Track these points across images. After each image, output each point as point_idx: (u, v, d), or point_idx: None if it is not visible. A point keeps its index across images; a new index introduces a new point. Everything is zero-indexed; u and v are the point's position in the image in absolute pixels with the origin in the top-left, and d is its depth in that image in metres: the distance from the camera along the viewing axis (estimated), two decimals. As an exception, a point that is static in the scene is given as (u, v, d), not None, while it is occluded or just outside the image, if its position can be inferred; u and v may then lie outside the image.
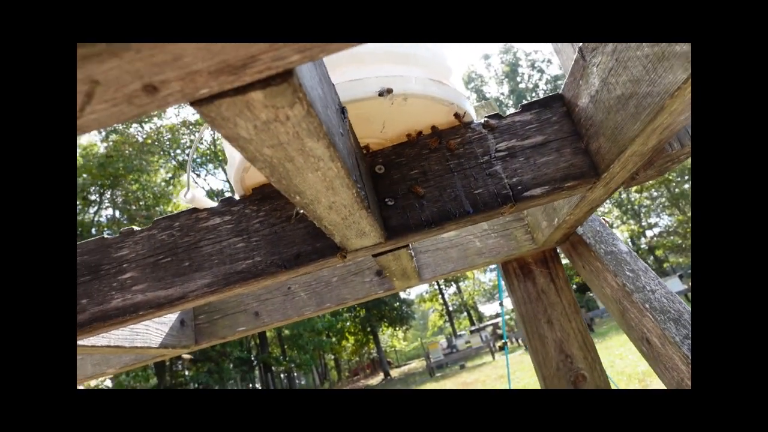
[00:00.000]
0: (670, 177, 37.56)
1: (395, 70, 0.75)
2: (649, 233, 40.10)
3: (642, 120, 0.62)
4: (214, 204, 0.90)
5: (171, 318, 1.36)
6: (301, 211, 0.69)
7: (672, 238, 38.49)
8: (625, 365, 8.99)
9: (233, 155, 0.82)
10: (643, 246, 39.65)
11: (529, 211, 1.39)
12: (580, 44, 0.73)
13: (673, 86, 0.53)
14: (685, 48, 0.50)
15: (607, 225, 1.27)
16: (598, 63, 0.69)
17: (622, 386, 6.89)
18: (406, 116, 0.83)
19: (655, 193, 39.28)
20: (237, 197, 0.90)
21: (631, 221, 39.03)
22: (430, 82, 0.77)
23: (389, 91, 0.70)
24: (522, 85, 39.20)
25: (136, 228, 0.91)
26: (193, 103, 0.32)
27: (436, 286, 49.85)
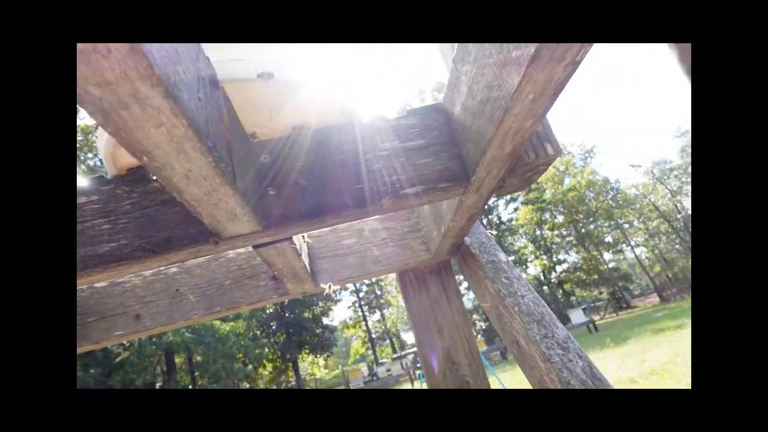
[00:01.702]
0: (578, 218, 41.29)
1: (282, 56, 0.77)
2: (558, 268, 43.36)
3: (494, 122, 0.69)
4: (82, 182, 0.84)
5: (32, 317, 1.22)
6: (154, 176, 0.67)
7: (578, 273, 41.98)
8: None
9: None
10: (553, 280, 42.73)
11: (424, 222, 1.46)
12: (453, 56, 0.80)
13: (512, 88, 0.60)
14: (517, 53, 0.57)
15: (492, 237, 1.36)
16: (466, 72, 0.76)
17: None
18: (293, 108, 0.84)
19: (565, 232, 42.83)
20: (109, 177, 0.85)
21: (544, 256, 42.03)
22: (316, 73, 0.80)
23: (269, 74, 0.71)
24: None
25: (-16, 202, 0.82)
26: None
27: (360, 313, 49.55)
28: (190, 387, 28.56)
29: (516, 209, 43.54)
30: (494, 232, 1.39)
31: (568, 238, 42.94)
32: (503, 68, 0.62)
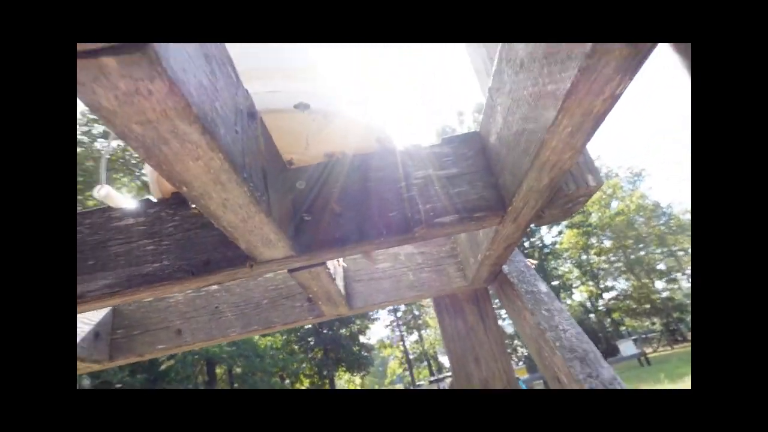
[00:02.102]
0: (627, 243, 39.31)
1: (319, 89, 0.79)
2: (606, 295, 41.25)
3: (530, 155, 0.67)
4: (129, 204, 0.89)
5: (83, 329, 1.30)
6: (193, 205, 0.70)
7: (628, 302, 39.72)
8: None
9: (152, 155, 0.82)
10: (600, 307, 40.66)
11: (461, 249, 1.43)
12: (489, 85, 0.79)
13: (548, 122, 0.59)
14: (552, 87, 0.55)
15: (532, 266, 1.31)
16: (501, 102, 0.75)
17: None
18: (329, 136, 0.86)
19: (613, 258, 40.83)
20: (155, 200, 0.89)
21: (590, 282, 40.17)
22: (351, 103, 0.82)
23: (305, 105, 0.73)
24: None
25: (45, 222, 0.89)
26: (42, 63, 0.33)
27: (398, 332, 49.03)
28: (230, 399, 29.04)
29: (560, 233, 42.03)
30: (535, 261, 1.34)
31: (616, 264, 40.88)
32: (538, 101, 0.60)
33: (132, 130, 0.42)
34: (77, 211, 0.88)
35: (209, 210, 0.61)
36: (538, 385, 24.00)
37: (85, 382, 26.05)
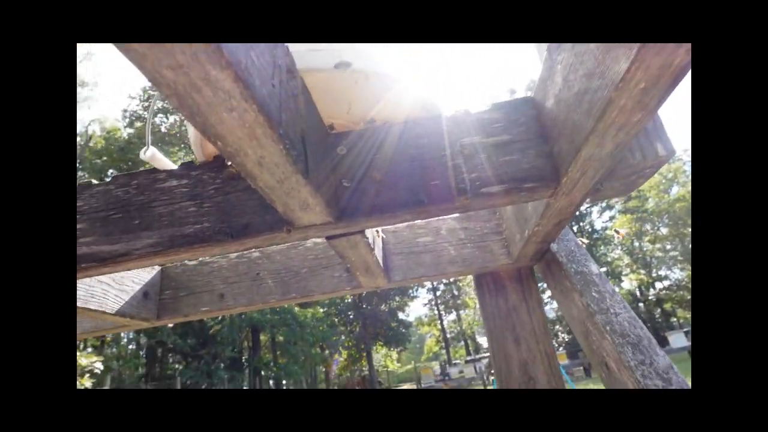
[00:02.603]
0: (685, 232, 37.01)
1: (360, 47, 0.75)
2: (658, 285, 39.33)
3: (593, 116, 0.60)
4: (174, 166, 0.90)
5: (133, 287, 1.35)
6: (229, 162, 0.68)
7: (682, 292, 37.68)
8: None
9: (194, 116, 0.82)
10: (651, 297, 38.90)
11: (507, 225, 1.37)
12: (549, 44, 0.72)
13: (617, 76, 0.52)
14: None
15: (583, 246, 1.23)
16: (561, 60, 0.68)
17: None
18: (372, 100, 0.82)
19: (669, 246, 38.67)
20: (197, 162, 0.89)
21: (641, 271, 38.38)
22: (396, 64, 0.77)
23: (347, 64, 0.69)
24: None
25: (94, 181, 0.91)
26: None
27: (436, 311, 49.29)
28: (272, 364, 30.52)
29: (612, 218, 40.09)
30: (585, 241, 1.26)
31: (672, 253, 38.69)
32: (608, 53, 0.53)
33: (163, 75, 0.40)
34: (128, 173, 0.90)
35: (246, 169, 0.59)
36: (578, 372, 23.50)
37: (143, 341, 28.04)
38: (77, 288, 1.11)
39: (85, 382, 12.24)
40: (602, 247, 38.69)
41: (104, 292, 1.22)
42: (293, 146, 0.57)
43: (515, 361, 1.39)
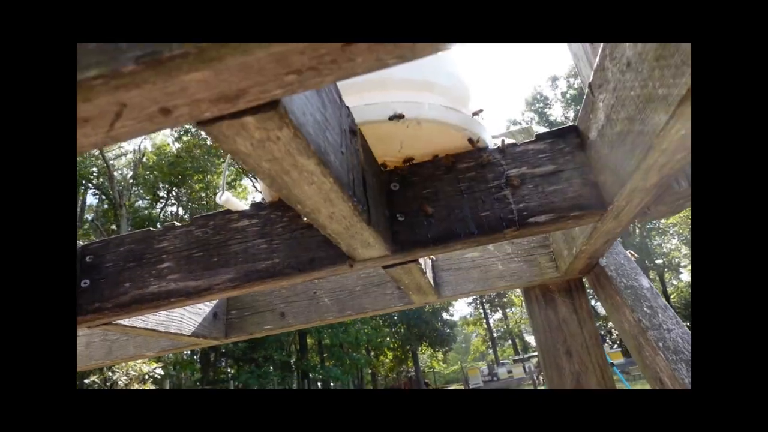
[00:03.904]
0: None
1: (412, 96, 0.82)
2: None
3: (636, 157, 0.64)
4: (245, 207, 1.00)
5: (204, 310, 1.48)
6: (305, 218, 0.76)
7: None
8: (677, 416, 8.28)
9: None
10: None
11: (553, 239, 1.39)
12: (590, 80, 0.76)
13: (657, 127, 0.56)
14: (664, 92, 0.52)
15: (632, 259, 1.24)
16: (603, 99, 0.72)
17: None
18: (421, 139, 0.89)
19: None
20: (265, 202, 0.99)
21: (699, 261, 36.04)
22: (444, 109, 0.83)
23: (400, 116, 0.76)
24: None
25: (177, 223, 1.03)
26: (199, 123, 0.40)
27: (481, 310, 48.56)
28: (319, 367, 31.10)
29: (664, 206, 37.89)
30: (635, 255, 1.26)
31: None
32: (647, 104, 0.57)
33: (261, 165, 0.48)
34: (205, 214, 1.01)
35: (317, 221, 0.67)
36: (635, 371, 22.47)
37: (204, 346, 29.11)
38: (160, 315, 1.25)
39: (148, 387, 12.98)
40: (657, 238, 36.79)
41: (182, 316, 1.35)
42: (360, 201, 0.65)
43: (567, 373, 1.41)
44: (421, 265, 1.07)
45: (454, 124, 0.85)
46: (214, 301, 1.55)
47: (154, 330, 1.20)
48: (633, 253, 1.28)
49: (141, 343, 1.58)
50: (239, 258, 0.96)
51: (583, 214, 0.84)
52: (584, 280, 1.50)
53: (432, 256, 1.40)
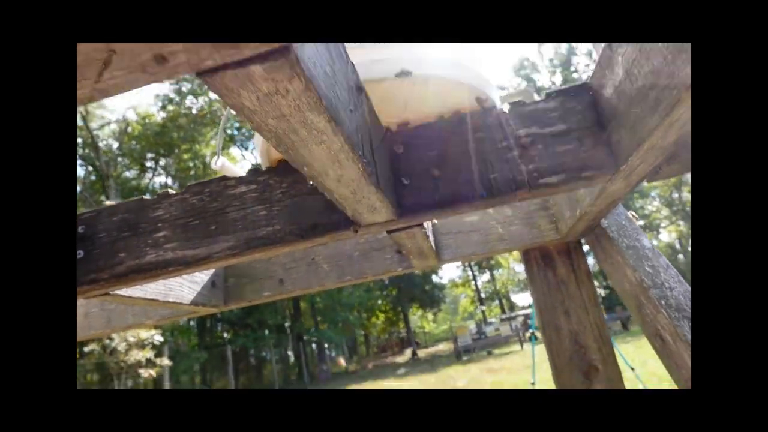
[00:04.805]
0: (732, 177, 35.03)
1: (419, 52, 0.77)
2: (701, 235, 37.80)
3: (660, 113, 0.61)
4: (241, 173, 0.96)
5: (203, 278, 1.46)
6: (311, 182, 0.73)
7: (727, 242, 36.09)
8: (657, 365, 8.69)
9: (259, 127, 0.86)
10: (690, 249, 37.58)
11: (555, 201, 1.37)
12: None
13: (689, 78, 0.52)
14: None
15: (634, 220, 1.23)
16: (623, 53, 0.68)
17: (651, 386, 6.70)
18: (427, 98, 0.84)
19: (713, 194, 36.80)
20: (263, 168, 0.95)
21: (681, 222, 36.99)
22: (452, 65, 0.78)
23: (407, 73, 0.72)
24: (575, 75, 37.31)
25: (171, 191, 0.98)
26: (198, 74, 0.35)
27: (470, 272, 49.54)
28: (313, 329, 31.77)
29: (651, 167, 38.27)
30: (636, 216, 1.25)
31: (716, 201, 36.82)
32: (678, 54, 0.53)
33: (267, 123, 0.44)
34: (200, 181, 0.96)
35: (324, 185, 0.64)
36: (616, 326, 23.32)
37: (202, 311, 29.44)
38: (157, 284, 1.22)
39: (147, 353, 13.17)
40: (639, 200, 37.35)
41: (179, 285, 1.32)
42: (369, 163, 0.61)
43: (565, 332, 1.43)
44: (425, 229, 1.05)
45: (462, 83, 0.80)
46: (212, 270, 1.52)
47: (153, 299, 1.18)
48: (634, 214, 1.28)
49: (140, 312, 1.56)
50: (238, 225, 0.92)
51: (594, 175, 0.81)
52: (583, 241, 1.50)
53: (434, 220, 1.38)
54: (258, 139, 0.88)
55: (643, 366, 8.65)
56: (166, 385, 14.83)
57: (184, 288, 1.33)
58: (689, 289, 1.06)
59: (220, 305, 1.55)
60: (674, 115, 0.60)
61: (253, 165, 1.27)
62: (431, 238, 1.28)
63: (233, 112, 0.49)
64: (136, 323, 1.60)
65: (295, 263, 1.55)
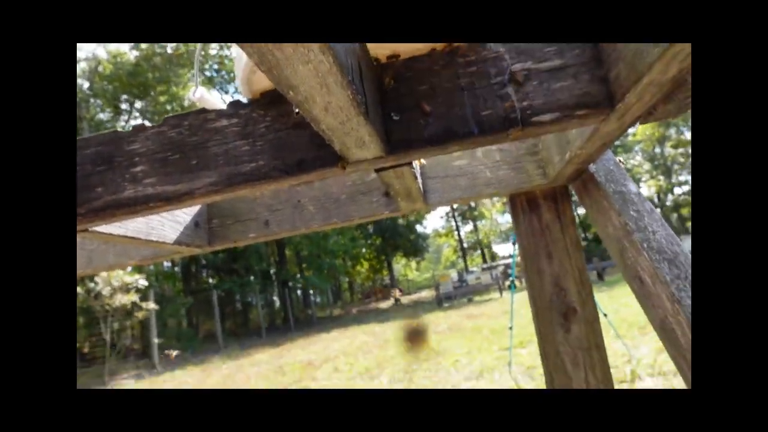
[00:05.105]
0: (714, 132, 35.43)
1: (411, -29, 0.71)
2: (677, 190, 38.84)
3: (661, 44, 0.58)
4: (223, 105, 0.91)
5: (185, 218, 1.43)
6: (297, 110, 0.69)
7: (703, 196, 37.11)
8: (628, 313, 9.17)
9: (240, 54, 0.81)
10: (668, 203, 38.64)
11: (544, 145, 1.36)
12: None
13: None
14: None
15: (621, 165, 1.23)
16: (629, -23, 0.64)
17: (622, 332, 7.09)
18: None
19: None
20: (245, 100, 0.90)
21: (661, 177, 37.69)
22: (447, -12, 0.73)
23: (400, -7, 0.66)
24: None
25: (147, 124, 0.93)
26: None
27: (453, 223, 50.29)
28: (298, 276, 32.28)
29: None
30: (624, 161, 1.25)
31: (697, 156, 37.45)
32: (690, -25, 0.50)
33: (249, 35, 0.41)
34: (178, 114, 0.91)
35: (311, 114, 0.61)
36: (592, 276, 24.26)
37: (177, 258, 29.71)
38: (138, 223, 1.19)
39: (132, 297, 13.25)
40: (622, 154, 37.68)
41: (161, 224, 1.29)
42: (358, 91, 0.58)
43: (548, 276, 1.46)
44: (414, 169, 1.03)
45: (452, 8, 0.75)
46: (195, 209, 1.49)
47: (134, 237, 1.15)
48: (622, 160, 1.27)
49: (121, 252, 1.54)
50: (220, 160, 0.89)
51: (588, 113, 0.79)
52: (569, 187, 1.51)
53: (423, 160, 1.36)
54: (238, 65, 0.82)
55: (615, 313, 9.10)
56: (153, 328, 15.12)
57: (166, 227, 1.31)
58: (672, 232, 1.08)
59: (204, 246, 1.54)
60: (676, 47, 0.57)
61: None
62: (419, 180, 1.27)
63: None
64: (117, 263, 1.58)
65: (281, 205, 1.53)
